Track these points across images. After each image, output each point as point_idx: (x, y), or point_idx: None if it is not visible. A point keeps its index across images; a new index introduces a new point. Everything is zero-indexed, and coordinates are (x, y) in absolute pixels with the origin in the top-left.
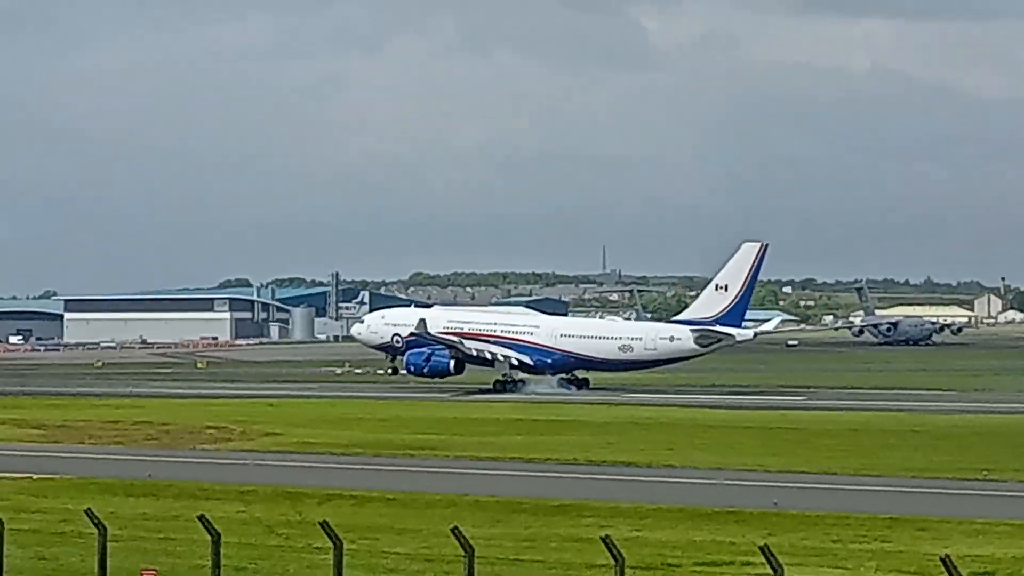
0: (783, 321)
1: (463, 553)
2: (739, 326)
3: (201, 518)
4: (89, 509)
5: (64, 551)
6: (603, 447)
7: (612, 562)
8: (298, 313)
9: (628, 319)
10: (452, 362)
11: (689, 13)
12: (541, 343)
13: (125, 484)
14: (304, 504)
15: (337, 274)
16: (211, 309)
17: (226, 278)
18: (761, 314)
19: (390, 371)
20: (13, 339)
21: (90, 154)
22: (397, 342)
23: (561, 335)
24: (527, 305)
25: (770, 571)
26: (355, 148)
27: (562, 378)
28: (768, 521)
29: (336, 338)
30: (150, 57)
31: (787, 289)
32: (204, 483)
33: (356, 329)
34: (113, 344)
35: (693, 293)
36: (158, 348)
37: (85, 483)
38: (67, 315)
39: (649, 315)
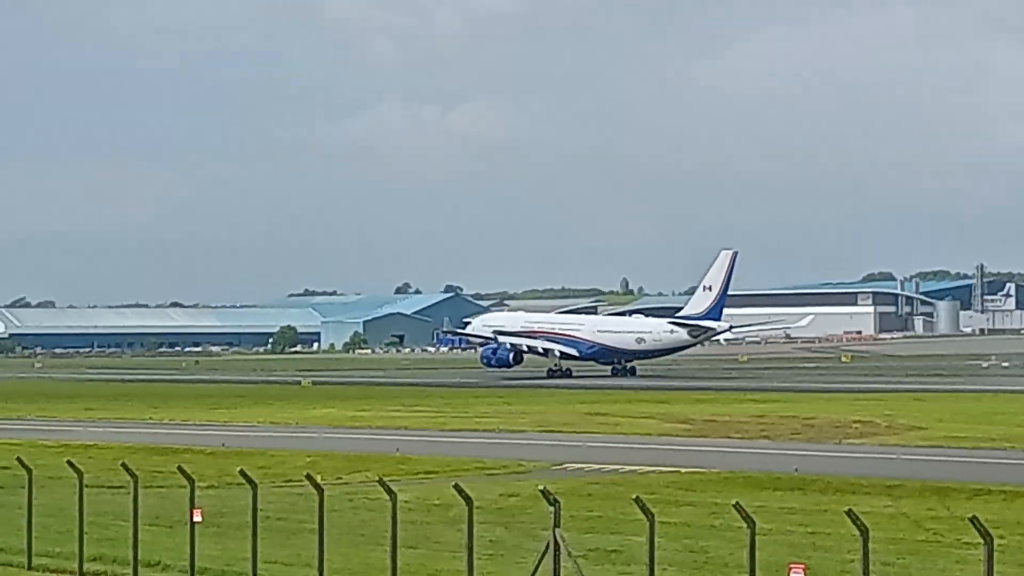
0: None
1: None
2: (719, 320)
3: (849, 512)
4: (737, 503)
5: (713, 544)
6: None
7: None
8: (942, 306)
9: None
10: (511, 355)
11: None
12: (584, 337)
13: (771, 478)
14: (952, 499)
15: (982, 266)
16: (854, 303)
17: (869, 272)
18: None
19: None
20: None
21: (710, 151)
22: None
23: (599, 331)
24: None
25: None
26: (1002, 137)
27: (614, 366)
28: None
29: (982, 331)
30: (785, 50)
31: None
32: (850, 477)
33: (469, 328)
34: (756, 339)
35: None
36: (802, 343)
37: (732, 477)
38: None
39: None
